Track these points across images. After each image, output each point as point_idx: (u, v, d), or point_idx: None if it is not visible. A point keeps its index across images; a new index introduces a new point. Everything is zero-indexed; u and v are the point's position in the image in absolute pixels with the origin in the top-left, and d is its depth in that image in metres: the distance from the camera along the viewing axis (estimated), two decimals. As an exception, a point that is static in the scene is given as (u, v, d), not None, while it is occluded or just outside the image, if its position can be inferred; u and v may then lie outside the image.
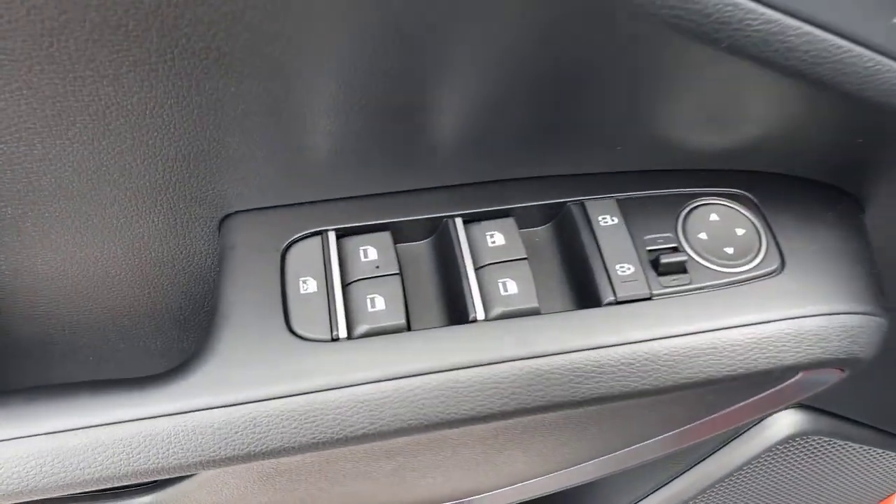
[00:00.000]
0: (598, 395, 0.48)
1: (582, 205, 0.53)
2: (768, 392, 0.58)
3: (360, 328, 0.48)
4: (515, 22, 0.39)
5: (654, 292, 0.50)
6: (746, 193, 0.55)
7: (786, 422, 0.76)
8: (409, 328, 0.49)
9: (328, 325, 0.48)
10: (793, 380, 0.56)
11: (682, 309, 0.50)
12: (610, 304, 0.50)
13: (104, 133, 0.43)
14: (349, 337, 0.48)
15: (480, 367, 0.47)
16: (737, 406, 0.60)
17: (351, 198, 0.53)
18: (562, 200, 0.54)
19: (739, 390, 0.58)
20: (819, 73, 0.40)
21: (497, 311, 0.49)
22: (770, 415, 0.67)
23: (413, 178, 0.53)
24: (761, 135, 0.50)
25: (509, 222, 0.53)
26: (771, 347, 0.49)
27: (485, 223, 0.53)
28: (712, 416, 0.61)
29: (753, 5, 0.37)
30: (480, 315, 0.49)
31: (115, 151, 0.45)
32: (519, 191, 0.54)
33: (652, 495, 0.86)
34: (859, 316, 0.51)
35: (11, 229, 0.49)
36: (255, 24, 0.37)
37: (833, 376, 0.55)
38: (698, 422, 0.62)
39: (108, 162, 0.45)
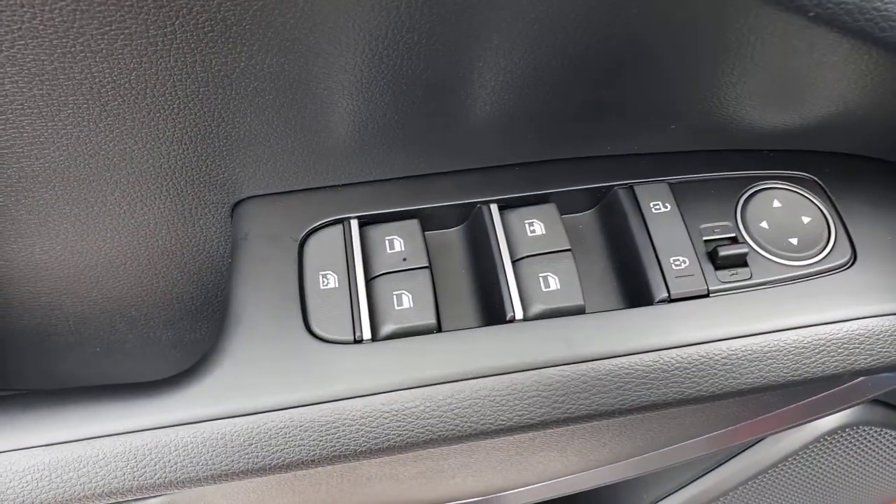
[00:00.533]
0: (650, 402, 0.44)
1: (631, 189, 0.49)
2: (831, 392, 0.54)
3: (386, 328, 0.45)
4: None
5: (712, 288, 0.46)
6: (813, 177, 0.51)
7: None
8: (439, 328, 0.45)
9: (350, 325, 0.45)
10: (859, 380, 0.52)
11: (742, 307, 0.46)
12: (663, 301, 0.46)
13: (100, 114, 0.40)
14: (373, 338, 0.44)
15: (519, 373, 0.43)
16: (794, 405, 0.55)
17: (375, 182, 0.49)
18: (608, 184, 0.50)
19: (799, 391, 0.53)
20: None
21: (537, 309, 0.45)
22: (829, 414, 0.62)
23: (443, 160, 0.49)
24: (834, 112, 0.45)
25: (550, 209, 0.49)
26: (841, 350, 0.45)
27: (523, 210, 0.49)
28: (766, 416, 0.57)
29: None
30: (519, 314, 0.45)
31: (114, 133, 0.41)
32: (560, 173, 0.50)
33: (691, 484, 0.84)
34: None
35: (4, 217, 0.46)
36: None
37: (905, 377, 0.51)
38: (750, 421, 0.57)
39: (107, 145, 0.42)
